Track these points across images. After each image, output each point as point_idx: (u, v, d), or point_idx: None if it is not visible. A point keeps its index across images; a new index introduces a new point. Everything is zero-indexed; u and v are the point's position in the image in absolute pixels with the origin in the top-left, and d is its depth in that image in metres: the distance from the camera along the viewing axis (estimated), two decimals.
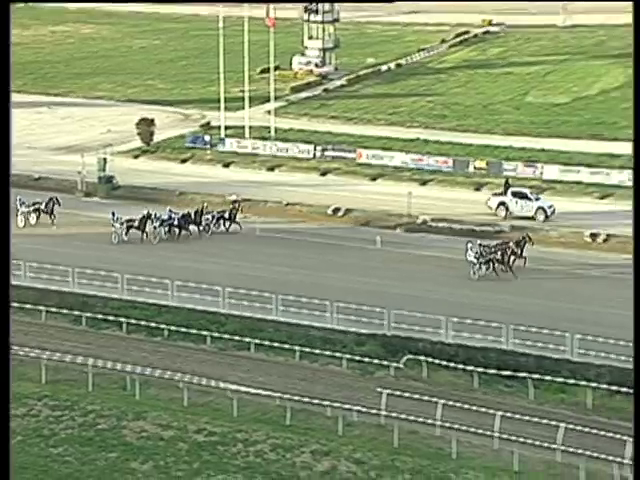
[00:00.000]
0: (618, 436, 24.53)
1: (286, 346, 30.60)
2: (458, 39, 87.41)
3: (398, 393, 27.32)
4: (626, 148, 51.47)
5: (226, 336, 31.29)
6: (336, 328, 32.47)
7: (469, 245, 37.32)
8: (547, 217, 42.55)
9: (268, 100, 60.24)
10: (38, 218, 43.26)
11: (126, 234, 41.02)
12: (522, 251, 37.34)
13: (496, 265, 37.10)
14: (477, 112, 62.50)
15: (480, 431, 25.53)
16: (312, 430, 26.12)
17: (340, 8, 79.37)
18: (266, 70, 64.29)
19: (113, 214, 41.37)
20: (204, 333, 31.53)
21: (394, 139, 56.41)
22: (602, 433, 24.91)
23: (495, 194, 44.42)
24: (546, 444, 24.77)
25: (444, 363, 29.57)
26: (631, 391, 26.98)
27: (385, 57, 79.98)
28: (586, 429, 25.15)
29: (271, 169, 52.98)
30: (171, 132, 59.20)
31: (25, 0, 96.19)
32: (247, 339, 30.94)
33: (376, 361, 29.97)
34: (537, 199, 43.54)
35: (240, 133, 56.74)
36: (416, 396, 27.17)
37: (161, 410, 26.84)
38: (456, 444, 25.16)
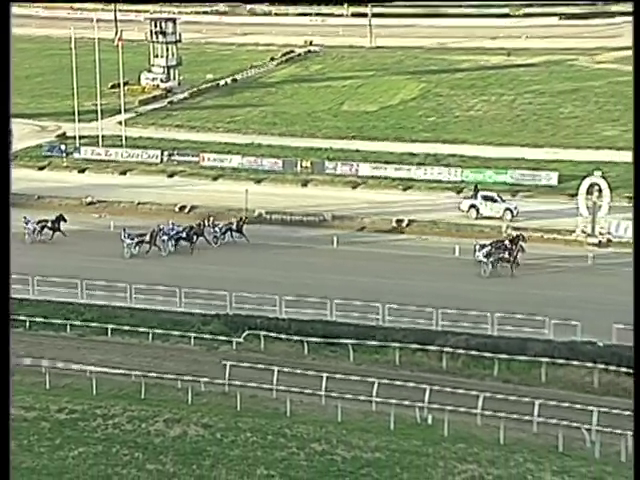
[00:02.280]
0: (422, 386, 25.29)
1: (140, 329, 29.88)
2: (284, 57, 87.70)
3: (240, 364, 27.23)
4: (422, 148, 53.48)
5: (85, 324, 30.23)
6: (184, 311, 32.00)
7: (477, 246, 35.64)
8: (513, 216, 41.24)
9: (119, 112, 58.46)
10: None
11: (135, 248, 37.80)
12: (517, 248, 35.37)
13: (502, 263, 34.99)
14: (302, 120, 62.89)
15: (310, 391, 25.78)
16: (165, 402, 25.62)
17: (182, 30, 78.46)
18: (116, 85, 62.48)
19: (124, 230, 38.19)
20: (63, 322, 30.30)
21: (232, 144, 56.00)
22: (406, 384, 25.64)
23: (466, 198, 43.23)
24: (364, 397, 25.34)
25: (279, 336, 29.72)
26: (433, 347, 28.15)
27: (222, 73, 79.29)
28: (395, 382, 25.82)
29: (123, 173, 51.55)
30: (29, 142, 56.39)
31: (25, 0, 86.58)
32: (104, 325, 29.99)
33: (220, 338, 29.77)
34: (503, 201, 42.54)
35: (94, 142, 54.85)
36: (255, 365, 27.15)
37: (24, 394, 25.53)
38: (290, 404, 25.32)
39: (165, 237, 38.33)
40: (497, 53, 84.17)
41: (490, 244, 35.66)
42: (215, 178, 50.63)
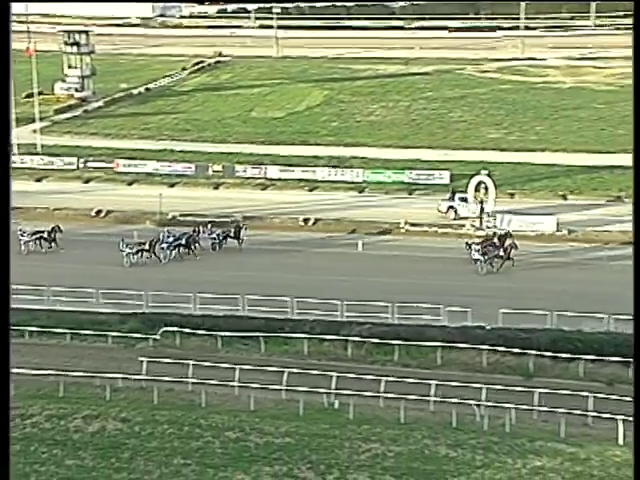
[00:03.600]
0: (329, 373, 25.48)
1: (57, 330, 28.93)
2: (195, 67, 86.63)
3: (156, 359, 26.73)
4: (326, 151, 53.78)
5: None
6: (102, 311, 31.19)
7: (473, 246, 35.27)
8: (489, 215, 40.81)
9: (33, 120, 56.45)
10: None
11: (136, 256, 36.23)
12: (504, 245, 35.26)
13: (497, 260, 34.84)
14: (213, 126, 62.22)
15: (224, 383, 25.56)
16: (83, 399, 24.90)
17: (95, 42, 76.51)
18: (31, 95, 60.22)
19: (122, 240, 36.48)
20: None
21: (146, 150, 54.89)
22: (315, 372, 25.78)
23: (444, 199, 42.76)
24: (275, 387, 25.31)
25: (193, 331, 29.34)
26: (340, 337, 28.35)
27: (136, 82, 77.62)
28: (303, 371, 25.92)
29: (39, 180, 49.78)
30: None
31: (26, 0, 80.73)
32: (21, 327, 28.88)
33: (137, 335, 29.15)
34: (480, 202, 41.86)
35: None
36: (171, 360, 26.72)
37: None
38: (205, 395, 25.06)
39: (164, 245, 37.15)
40: (394, 62, 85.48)
41: (480, 243, 35.70)
42: (130, 183, 49.55)
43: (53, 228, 38.47)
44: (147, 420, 23.70)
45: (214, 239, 38.23)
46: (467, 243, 36.04)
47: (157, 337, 29.19)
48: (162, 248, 36.92)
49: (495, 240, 35.84)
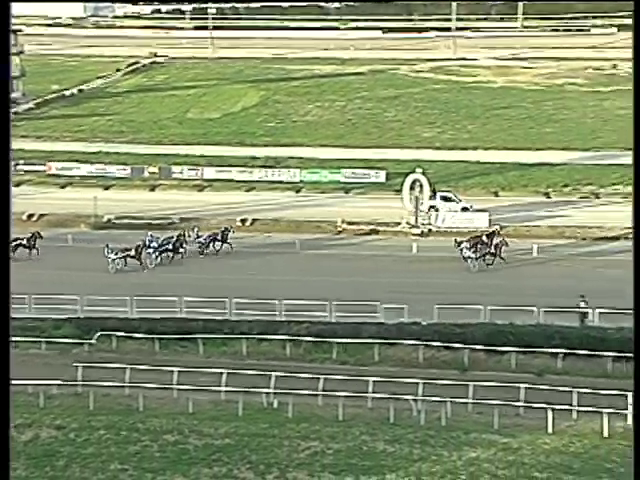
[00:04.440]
0: (268, 373, 25.37)
1: None
2: (130, 68, 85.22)
3: (92, 365, 26.21)
4: (263, 152, 53.64)
5: None
6: (35, 317, 30.41)
7: (464, 244, 35.40)
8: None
9: None
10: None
11: (125, 264, 35.19)
12: (492, 242, 35.51)
13: (488, 257, 35.27)
14: (149, 127, 61.36)
15: (162, 386, 25.27)
16: (15, 407, 24.10)
17: (25, 42, 74.50)
18: None
19: (107, 246, 35.35)
20: None
21: (80, 152, 53.77)
22: (253, 372, 25.68)
23: (424, 199, 42.06)
24: (214, 388, 25.13)
25: (130, 335, 28.89)
26: (279, 337, 28.34)
27: (68, 84, 75.91)
28: (242, 371, 25.79)
29: None
30: None
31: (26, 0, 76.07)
32: None
33: (72, 341, 28.53)
34: (460, 201, 42.42)
35: None
36: (108, 365, 26.25)
37: None
38: (142, 399, 24.71)
39: (150, 250, 36.30)
40: (329, 63, 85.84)
41: (468, 240, 35.92)
42: (63, 186, 48.46)
43: (33, 234, 37.46)
44: (83, 426, 23.25)
45: (201, 243, 37.74)
46: (456, 241, 36.21)
47: (93, 342, 28.65)
48: (148, 253, 36.29)
49: (484, 238, 36.26)
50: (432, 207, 41.49)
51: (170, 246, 36.82)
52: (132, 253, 35.80)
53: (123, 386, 25.29)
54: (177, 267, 36.49)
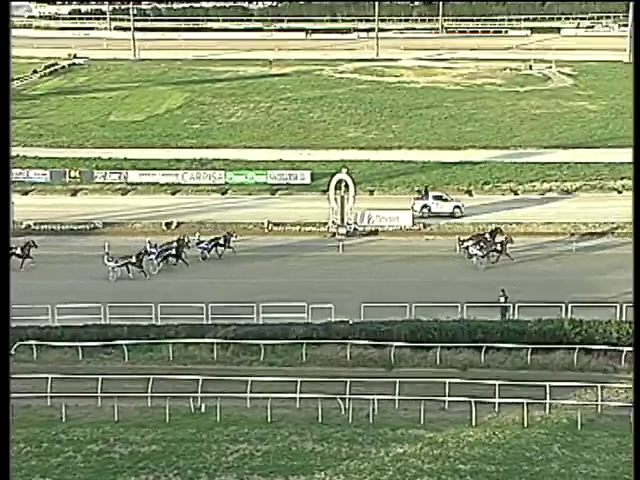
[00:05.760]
0: (195, 377, 25.06)
1: None
2: (48, 70, 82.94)
3: (13, 376, 25.28)
4: (188, 154, 52.98)
5: None
6: None
7: (469, 242, 35.65)
8: (462, 212, 41.45)
9: None
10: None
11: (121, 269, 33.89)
12: (495, 241, 36.01)
13: (493, 254, 35.60)
14: (69, 131, 59.83)
15: (85, 394, 24.70)
16: None
17: None
18: None
19: (107, 254, 33.71)
20: None
21: None
22: (179, 377, 25.36)
23: (417, 198, 42.38)
24: (139, 394, 24.67)
25: (52, 344, 28.08)
26: (206, 340, 28.04)
27: None
28: (168, 376, 25.43)
29: None
30: None
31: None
32: None
33: None
34: (452, 200, 42.33)
35: None
36: (26, 376, 25.39)
37: None
38: (65, 409, 24.06)
39: (152, 256, 35.18)
40: (254, 64, 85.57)
41: (470, 238, 36.32)
42: None
43: (27, 243, 36.06)
44: None
45: (204, 248, 37.03)
46: (459, 239, 36.73)
47: (11, 353, 27.66)
48: (150, 260, 35.36)
49: (487, 236, 36.81)
50: (424, 206, 42.17)
51: (173, 251, 36.12)
52: (133, 260, 34.94)
53: (44, 397, 24.56)
54: (178, 273, 35.47)
